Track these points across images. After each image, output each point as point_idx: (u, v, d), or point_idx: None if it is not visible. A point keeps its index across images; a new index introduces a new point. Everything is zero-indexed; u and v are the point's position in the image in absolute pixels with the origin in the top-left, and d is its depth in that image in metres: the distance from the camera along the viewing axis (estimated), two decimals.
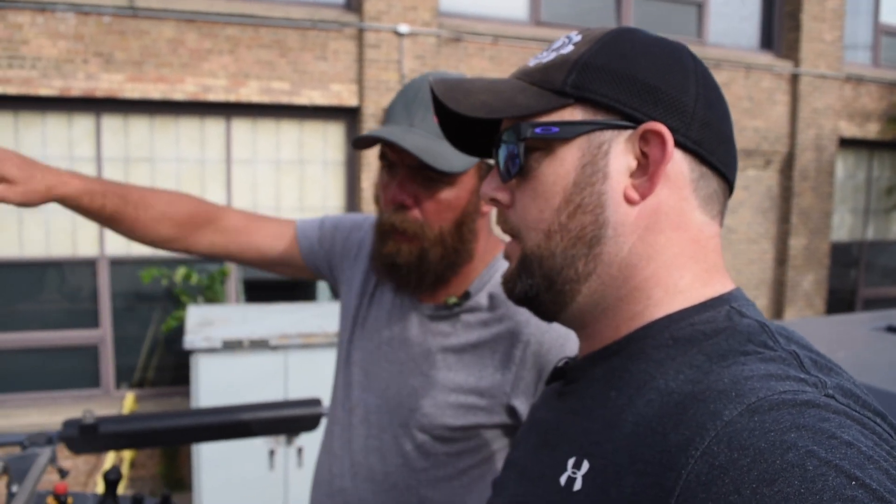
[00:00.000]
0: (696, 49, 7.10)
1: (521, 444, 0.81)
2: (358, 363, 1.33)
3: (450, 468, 1.22)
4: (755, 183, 7.69)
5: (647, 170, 0.66)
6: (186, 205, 1.40)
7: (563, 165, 0.68)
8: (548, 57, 0.72)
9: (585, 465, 0.63)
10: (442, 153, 1.14)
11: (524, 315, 1.19)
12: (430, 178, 1.17)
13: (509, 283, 0.74)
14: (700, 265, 0.68)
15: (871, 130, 8.25)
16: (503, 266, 1.26)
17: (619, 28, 0.71)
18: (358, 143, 1.18)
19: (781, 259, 7.85)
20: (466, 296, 1.24)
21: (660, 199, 0.67)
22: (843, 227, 8.57)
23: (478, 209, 1.23)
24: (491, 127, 0.78)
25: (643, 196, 0.66)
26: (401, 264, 1.20)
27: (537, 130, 0.68)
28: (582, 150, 0.67)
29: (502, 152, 0.72)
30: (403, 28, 5.89)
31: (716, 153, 0.68)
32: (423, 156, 1.12)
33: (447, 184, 1.18)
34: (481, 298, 1.25)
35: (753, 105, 7.47)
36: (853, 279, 8.78)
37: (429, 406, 1.21)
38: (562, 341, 1.17)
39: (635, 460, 0.57)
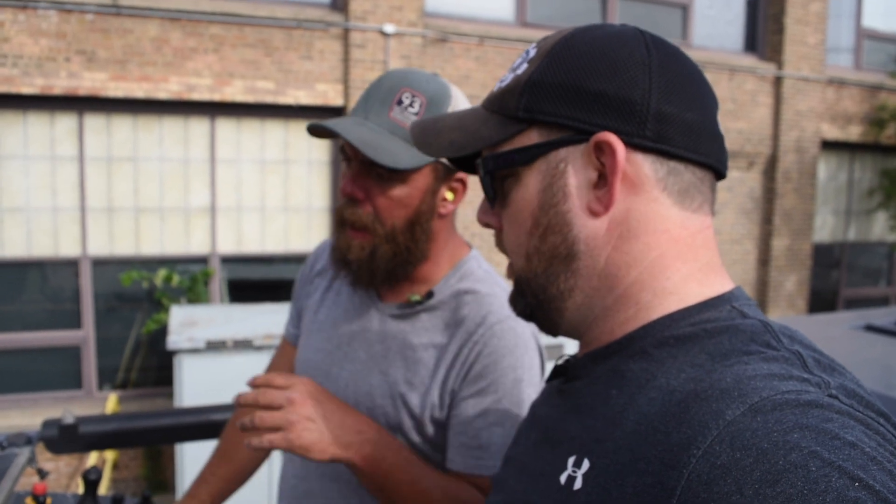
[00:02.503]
0: None
1: (521, 440, 0.81)
2: (316, 364, 1.32)
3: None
4: (738, 184, 7.74)
5: (607, 180, 0.65)
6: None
7: (527, 190, 0.69)
8: (506, 80, 0.73)
9: (586, 464, 0.62)
10: (389, 149, 1.13)
11: (481, 317, 1.19)
12: (381, 174, 1.16)
13: (512, 303, 0.77)
14: (690, 264, 0.67)
15: (853, 133, 8.34)
16: (470, 268, 1.27)
17: (570, 33, 0.70)
18: (311, 130, 1.17)
19: (764, 260, 7.91)
20: (430, 295, 1.24)
21: (627, 206, 0.66)
22: (825, 228, 8.65)
23: (434, 209, 1.21)
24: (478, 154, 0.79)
25: (607, 207, 0.66)
26: (351, 259, 1.19)
27: (500, 161, 0.70)
28: (542, 173, 0.68)
29: (481, 181, 0.75)
30: (389, 28, 5.89)
31: (682, 144, 0.66)
32: (365, 149, 1.10)
33: (399, 181, 1.17)
34: (445, 299, 1.24)
35: (737, 107, 7.53)
36: (835, 280, 8.86)
37: (389, 406, 1.21)
38: (504, 353, 1.16)
39: (637, 459, 0.56)
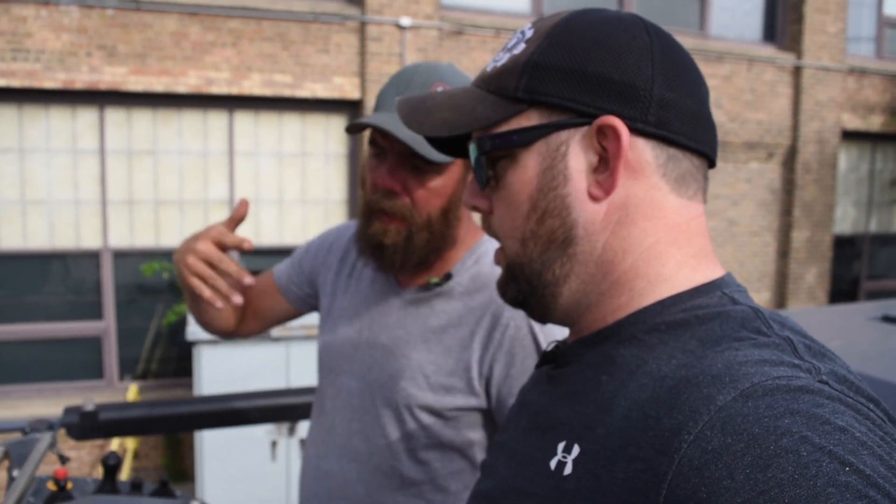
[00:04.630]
0: (698, 42, 7.10)
1: (511, 426, 0.81)
2: (339, 350, 1.36)
3: (432, 450, 1.24)
4: (758, 175, 7.68)
5: (608, 164, 0.65)
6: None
7: (526, 172, 0.68)
8: (502, 59, 0.71)
9: (576, 450, 0.62)
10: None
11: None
12: (419, 166, 1.20)
13: (501, 289, 0.75)
14: (684, 251, 0.67)
15: (875, 123, 8.23)
16: (485, 250, 1.29)
17: (568, 16, 0.69)
18: (351, 128, 1.20)
19: (784, 252, 7.85)
20: (448, 277, 1.26)
21: (626, 191, 0.66)
22: (846, 219, 8.56)
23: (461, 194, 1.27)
24: (466, 134, 0.78)
25: (607, 192, 0.65)
26: (387, 244, 1.21)
27: (497, 142, 0.68)
28: (541, 155, 0.67)
29: (473, 162, 0.73)
30: (405, 21, 5.89)
31: (682, 131, 0.66)
32: (415, 145, 1.13)
33: (436, 172, 1.21)
34: (463, 281, 1.27)
35: (756, 98, 7.46)
36: (856, 271, 8.77)
37: (410, 387, 1.23)
38: (538, 328, 1.19)
39: (627, 445, 0.57)
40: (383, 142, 1.20)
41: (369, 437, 1.28)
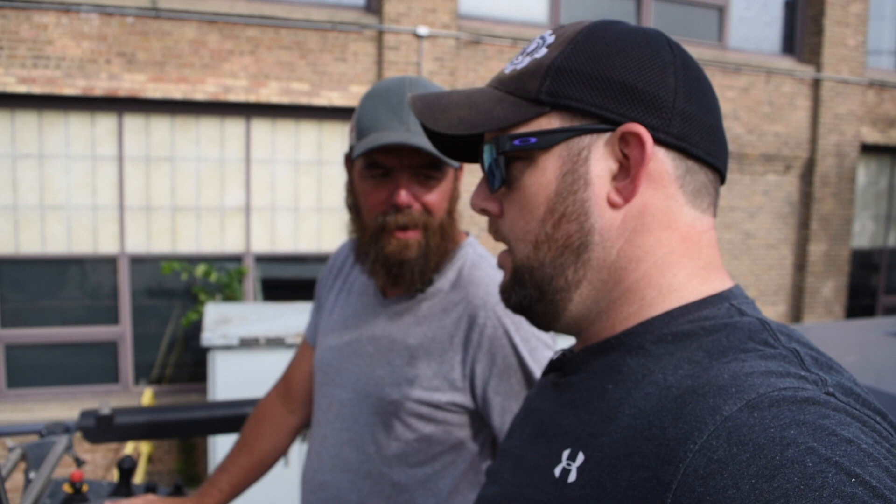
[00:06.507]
0: (716, 53, 7.08)
1: (516, 433, 0.81)
2: (329, 362, 1.39)
3: (421, 454, 1.27)
4: (775, 188, 7.63)
5: (629, 172, 0.65)
6: (265, 426, 1.58)
7: (544, 175, 0.67)
8: (522, 63, 0.70)
9: (581, 457, 0.63)
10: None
11: (481, 300, 1.25)
12: (430, 175, 1.23)
13: (505, 294, 0.74)
14: (695, 262, 0.67)
15: (895, 136, 8.17)
16: (464, 253, 1.33)
17: (591, 24, 0.69)
18: (374, 151, 1.20)
19: (801, 265, 7.79)
20: (430, 283, 1.30)
21: (645, 199, 0.66)
22: (865, 233, 8.49)
23: (457, 196, 1.31)
24: (476, 135, 0.77)
25: (627, 199, 0.65)
26: (410, 259, 1.23)
27: (516, 142, 0.68)
28: (562, 158, 0.66)
29: (486, 164, 0.72)
30: (423, 30, 5.92)
31: (700, 145, 0.66)
32: (442, 156, 1.17)
33: (441, 178, 1.25)
34: (443, 285, 1.30)
35: (774, 110, 7.42)
36: (874, 286, 8.69)
37: (396, 394, 1.26)
38: (515, 328, 1.22)
39: (632, 453, 0.57)
40: (391, 161, 1.21)
41: (359, 445, 1.31)
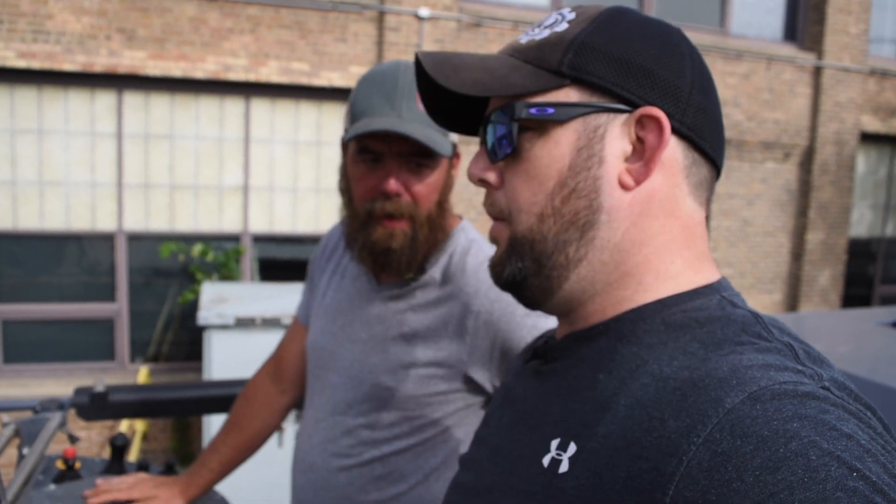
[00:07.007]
0: (717, 39, 7.05)
1: (493, 421, 0.80)
2: (323, 346, 1.39)
3: (413, 437, 1.28)
4: (773, 176, 7.63)
5: (642, 155, 0.65)
6: (255, 406, 1.59)
7: (557, 148, 0.66)
8: (541, 34, 0.69)
9: (572, 447, 0.62)
10: (436, 139, 1.18)
11: (473, 287, 1.25)
12: (421, 164, 1.22)
13: (497, 267, 0.72)
14: (691, 251, 0.68)
15: (895, 126, 8.15)
16: (456, 240, 1.32)
17: (612, 8, 0.69)
18: (357, 138, 1.20)
19: (798, 253, 7.80)
20: (423, 271, 1.30)
21: (654, 184, 0.66)
22: (863, 222, 8.49)
23: (451, 185, 1.30)
24: (477, 105, 0.76)
25: (638, 181, 0.65)
26: (396, 248, 1.23)
27: (532, 111, 0.66)
28: (578, 133, 0.66)
29: (492, 132, 0.70)
30: (424, 12, 5.89)
31: (708, 139, 0.68)
32: (429, 143, 1.16)
33: (432, 167, 1.23)
34: (435, 274, 1.30)
35: (774, 97, 7.40)
36: (871, 276, 8.70)
37: (390, 380, 1.27)
38: (511, 309, 1.21)
39: (630, 444, 0.56)
40: (381, 146, 1.20)
41: (351, 430, 1.31)
